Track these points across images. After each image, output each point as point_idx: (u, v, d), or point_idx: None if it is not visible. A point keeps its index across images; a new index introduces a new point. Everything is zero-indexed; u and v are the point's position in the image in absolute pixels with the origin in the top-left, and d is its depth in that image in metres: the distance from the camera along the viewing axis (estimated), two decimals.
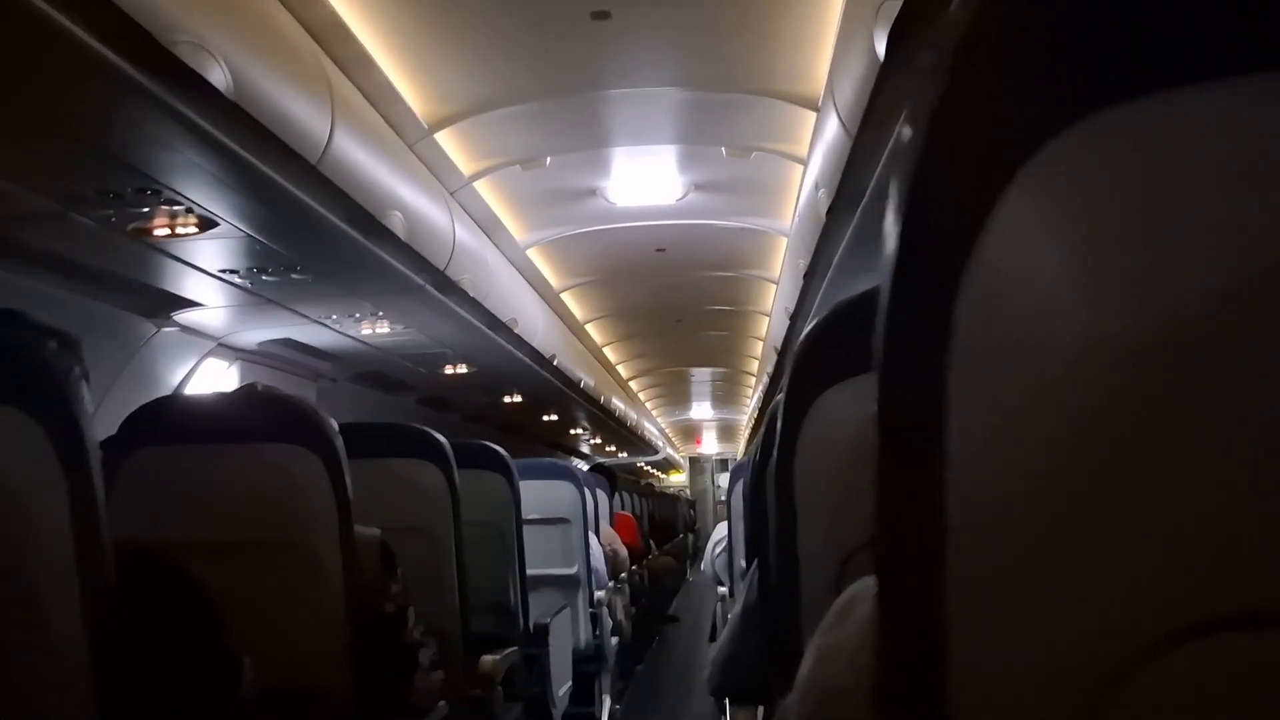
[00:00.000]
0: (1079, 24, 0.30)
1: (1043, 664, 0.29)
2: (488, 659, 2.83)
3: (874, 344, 0.36)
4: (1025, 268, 0.30)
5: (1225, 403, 0.26)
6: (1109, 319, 0.28)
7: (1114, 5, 0.29)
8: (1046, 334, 0.30)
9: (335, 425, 1.75)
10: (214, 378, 3.99)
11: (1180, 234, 0.27)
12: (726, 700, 3.07)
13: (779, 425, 1.16)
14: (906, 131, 0.34)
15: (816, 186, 3.38)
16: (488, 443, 3.36)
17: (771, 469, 1.22)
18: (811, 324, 1.16)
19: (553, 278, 6.06)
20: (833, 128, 2.81)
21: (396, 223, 3.00)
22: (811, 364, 1.15)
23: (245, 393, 1.88)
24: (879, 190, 2.90)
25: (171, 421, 1.78)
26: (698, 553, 14.22)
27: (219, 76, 1.93)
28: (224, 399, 1.93)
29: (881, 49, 2.09)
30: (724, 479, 16.98)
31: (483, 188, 4.33)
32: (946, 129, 0.32)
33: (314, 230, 2.73)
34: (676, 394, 13.40)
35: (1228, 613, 0.26)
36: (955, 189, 0.32)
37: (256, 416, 1.73)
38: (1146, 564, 0.27)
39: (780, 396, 1.17)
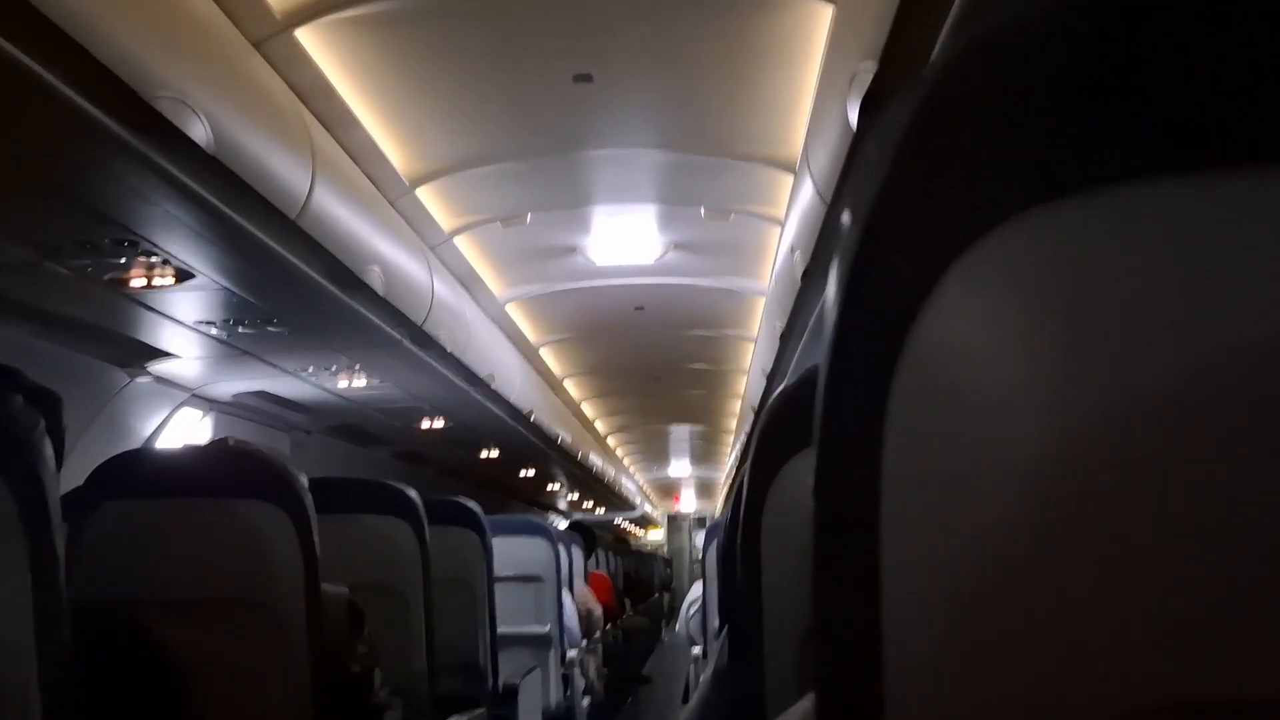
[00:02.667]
0: (1017, 123, 0.31)
1: None
2: None
3: (813, 428, 0.36)
4: (958, 361, 0.31)
5: (1174, 494, 0.26)
6: (1045, 413, 0.29)
7: (1062, 101, 0.30)
8: (980, 422, 0.30)
9: (305, 482, 1.74)
10: (188, 429, 3.96)
11: (1115, 335, 0.28)
12: None
13: (744, 491, 1.15)
14: (845, 220, 0.35)
15: (793, 249, 3.41)
16: (460, 499, 3.34)
17: (739, 535, 1.22)
18: (779, 390, 1.16)
19: (531, 333, 6.07)
20: (808, 193, 2.85)
21: (375, 277, 3.01)
22: (778, 429, 1.14)
23: (215, 447, 1.87)
24: None
25: (138, 475, 1.76)
26: (673, 612, 14.07)
27: (200, 132, 1.95)
28: (193, 453, 1.92)
29: (854, 118, 2.12)
30: (701, 537, 16.86)
31: (462, 243, 4.35)
32: (881, 223, 0.33)
33: (292, 284, 2.73)
34: (655, 451, 13.36)
35: (1183, 702, 0.26)
36: (889, 281, 0.33)
37: (224, 471, 1.71)
38: (1093, 652, 0.27)
39: (747, 462, 1.17)
